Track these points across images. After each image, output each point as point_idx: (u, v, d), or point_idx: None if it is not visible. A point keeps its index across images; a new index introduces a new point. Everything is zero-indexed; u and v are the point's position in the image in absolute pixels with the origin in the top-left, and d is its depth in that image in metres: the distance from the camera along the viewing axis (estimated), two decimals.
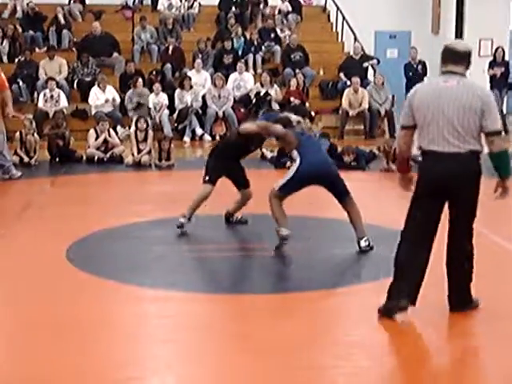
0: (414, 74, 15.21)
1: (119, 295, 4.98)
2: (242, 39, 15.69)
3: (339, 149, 10.43)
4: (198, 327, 4.35)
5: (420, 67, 15.31)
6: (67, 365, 3.77)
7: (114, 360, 3.86)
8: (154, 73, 14.49)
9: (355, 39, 16.03)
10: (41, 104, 13.10)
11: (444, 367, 3.88)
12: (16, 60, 14.62)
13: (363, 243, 6.02)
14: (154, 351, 4.00)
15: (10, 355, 3.95)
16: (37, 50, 15.32)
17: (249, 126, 6.49)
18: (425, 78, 15.20)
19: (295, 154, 6.08)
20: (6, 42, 15.16)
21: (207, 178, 6.51)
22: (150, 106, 13.43)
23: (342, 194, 6.11)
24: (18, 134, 10.54)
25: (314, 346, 4.04)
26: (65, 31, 15.78)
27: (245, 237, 6.75)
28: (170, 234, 6.60)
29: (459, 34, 17.70)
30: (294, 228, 6.13)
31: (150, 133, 11.08)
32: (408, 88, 15.13)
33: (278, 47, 15.90)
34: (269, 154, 10.93)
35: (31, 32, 15.72)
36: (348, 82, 14.60)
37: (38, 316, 4.52)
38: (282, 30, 16.51)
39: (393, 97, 14.61)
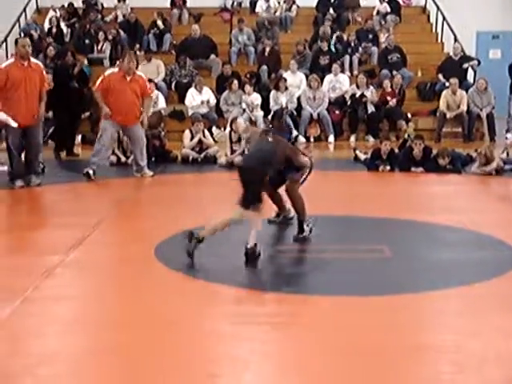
0: None
1: (206, 294, 5.01)
2: (334, 40, 15.60)
3: (434, 151, 10.19)
4: (280, 327, 4.34)
5: None
6: (153, 360, 3.82)
7: (199, 357, 3.89)
8: (248, 76, 14.62)
9: (455, 39, 15.66)
10: None
11: None
12: (117, 63, 15.05)
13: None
14: (237, 350, 4.01)
15: (97, 349, 4.04)
16: (137, 53, 15.73)
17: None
18: None
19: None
20: (107, 45, 15.64)
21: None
22: (244, 106, 13.54)
23: None
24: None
25: (393, 350, 3.96)
26: (167, 34, 16.15)
27: (339, 238, 6.68)
28: (260, 234, 6.60)
29: None
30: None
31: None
32: None
33: (375, 48, 15.73)
34: (362, 156, 10.81)
35: (132, 35, 16.17)
36: (446, 84, 14.29)
37: (126, 312, 4.61)
38: (380, 31, 16.35)
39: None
